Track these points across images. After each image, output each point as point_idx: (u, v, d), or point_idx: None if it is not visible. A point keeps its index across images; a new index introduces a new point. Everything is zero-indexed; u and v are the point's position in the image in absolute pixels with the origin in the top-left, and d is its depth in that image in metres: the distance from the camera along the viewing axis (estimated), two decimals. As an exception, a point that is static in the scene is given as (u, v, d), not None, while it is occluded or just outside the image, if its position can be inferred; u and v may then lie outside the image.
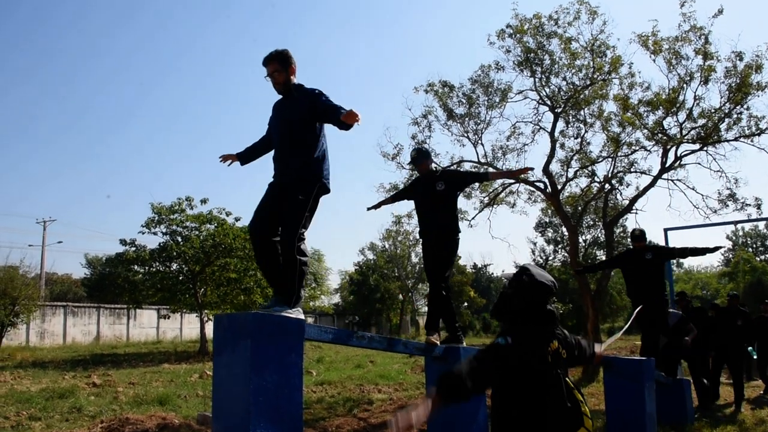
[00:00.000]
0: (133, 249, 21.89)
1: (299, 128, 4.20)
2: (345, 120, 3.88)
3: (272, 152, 4.47)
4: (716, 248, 7.60)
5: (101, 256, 42.57)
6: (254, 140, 4.74)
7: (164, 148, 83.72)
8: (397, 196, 6.36)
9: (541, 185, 13.90)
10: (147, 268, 22.08)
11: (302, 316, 3.95)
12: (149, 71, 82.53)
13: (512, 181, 14.19)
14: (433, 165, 6.03)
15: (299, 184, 4.10)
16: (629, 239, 10.58)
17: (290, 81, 4.31)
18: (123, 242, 21.88)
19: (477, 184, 14.53)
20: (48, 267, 41.19)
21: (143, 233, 21.62)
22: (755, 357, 11.45)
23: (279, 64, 4.26)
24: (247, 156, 4.68)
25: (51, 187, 75.46)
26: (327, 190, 4.28)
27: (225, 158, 4.67)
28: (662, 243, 13.26)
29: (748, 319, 10.21)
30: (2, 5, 68.49)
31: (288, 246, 4.03)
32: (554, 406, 2.67)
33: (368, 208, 6.22)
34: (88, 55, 77.34)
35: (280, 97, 4.44)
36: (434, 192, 5.66)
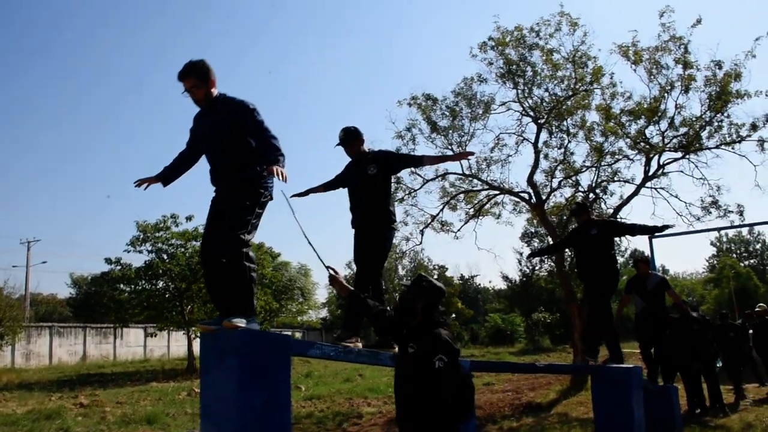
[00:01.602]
0: (119, 268, 21.78)
1: (233, 141, 3.90)
2: (268, 171, 3.68)
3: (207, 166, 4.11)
4: (664, 227, 7.52)
5: (86, 276, 42.15)
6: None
7: (150, 167, 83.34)
8: (330, 184, 5.49)
9: (526, 196, 13.98)
10: (133, 286, 21.99)
11: (258, 327, 3.80)
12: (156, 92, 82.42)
13: (497, 192, 14.25)
14: (367, 147, 5.31)
15: (244, 192, 3.84)
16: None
17: (211, 94, 3.96)
18: (108, 261, 21.80)
19: (462, 196, 14.64)
20: (33, 287, 40.79)
21: (128, 251, 21.61)
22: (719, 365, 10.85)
23: (196, 78, 3.89)
24: (168, 175, 4.21)
25: (35, 206, 74.82)
26: (271, 198, 4.03)
27: (141, 182, 4.16)
28: (645, 248, 13.31)
29: (706, 325, 9.90)
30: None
31: (236, 254, 3.71)
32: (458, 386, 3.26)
33: (293, 195, 5.20)
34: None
35: (201, 108, 4.11)
36: (365, 176, 5.07)
